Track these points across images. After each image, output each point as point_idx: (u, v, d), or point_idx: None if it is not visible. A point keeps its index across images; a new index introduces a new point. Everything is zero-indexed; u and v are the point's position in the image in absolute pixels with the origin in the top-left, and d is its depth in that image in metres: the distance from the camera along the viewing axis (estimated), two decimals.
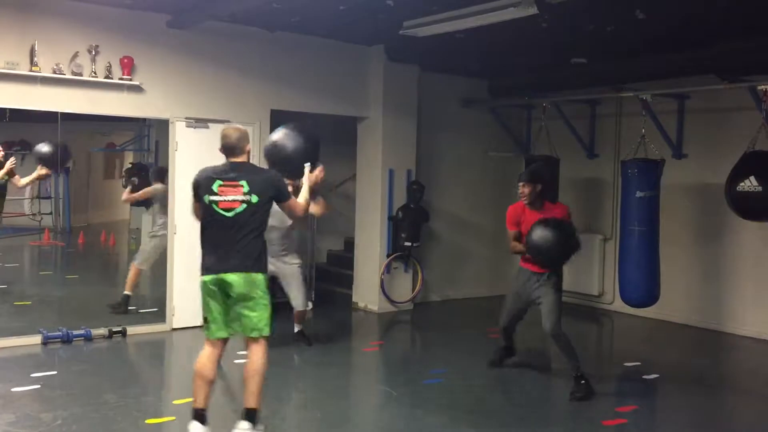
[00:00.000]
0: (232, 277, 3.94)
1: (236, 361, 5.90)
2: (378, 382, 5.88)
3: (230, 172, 4.06)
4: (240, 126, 4.28)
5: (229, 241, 3.96)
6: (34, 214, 9.35)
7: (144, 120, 8.10)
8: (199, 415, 3.97)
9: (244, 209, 3.98)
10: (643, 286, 6.60)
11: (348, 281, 8.53)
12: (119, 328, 6.47)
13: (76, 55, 6.17)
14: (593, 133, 8.61)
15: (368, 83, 8.02)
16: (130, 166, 9.30)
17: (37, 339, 6.10)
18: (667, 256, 6.92)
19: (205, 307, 4.03)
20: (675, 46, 6.74)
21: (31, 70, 5.96)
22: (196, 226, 4.18)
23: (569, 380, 5.25)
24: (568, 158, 8.19)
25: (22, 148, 9.96)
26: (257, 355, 4.05)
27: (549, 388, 5.65)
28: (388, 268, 8.11)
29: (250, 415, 4.03)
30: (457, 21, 5.93)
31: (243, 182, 4.02)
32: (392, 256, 8.10)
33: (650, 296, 6.61)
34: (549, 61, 7.80)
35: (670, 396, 5.54)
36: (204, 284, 4.00)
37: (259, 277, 4.00)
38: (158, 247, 7.11)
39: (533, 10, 5.35)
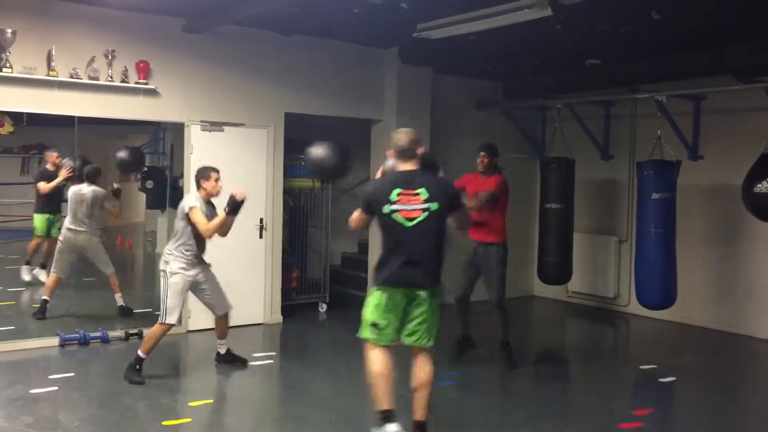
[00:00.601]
0: (420, 292, 3.93)
1: (251, 364, 5.93)
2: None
3: (407, 180, 3.93)
4: (411, 129, 4.17)
5: (412, 252, 3.89)
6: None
7: (159, 123, 8.15)
8: (391, 416, 3.94)
9: (426, 217, 3.87)
10: (659, 288, 6.57)
11: (362, 283, 8.53)
12: (135, 330, 6.52)
13: (92, 60, 6.23)
14: (608, 134, 8.57)
15: (382, 86, 8.03)
16: (145, 169, 9.37)
17: (54, 341, 6.16)
18: (683, 258, 6.88)
19: (379, 314, 3.95)
20: (690, 47, 6.70)
21: (48, 75, 6.02)
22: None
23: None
24: (582, 160, 8.15)
25: (38, 151, 10.05)
26: (429, 365, 4.03)
27: (564, 392, 5.62)
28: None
29: (422, 428, 4.00)
30: (470, 23, 5.92)
31: (421, 190, 3.90)
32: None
33: (667, 298, 6.57)
34: (563, 62, 7.78)
35: (687, 399, 5.51)
36: (385, 294, 3.94)
37: (439, 290, 4.01)
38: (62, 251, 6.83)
39: (547, 12, 5.33)
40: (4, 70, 5.81)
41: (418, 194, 3.88)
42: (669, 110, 7.13)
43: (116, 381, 5.27)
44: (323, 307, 8.04)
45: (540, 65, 8.03)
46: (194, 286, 5.41)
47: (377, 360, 3.98)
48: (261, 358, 6.11)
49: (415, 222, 3.87)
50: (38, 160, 10.18)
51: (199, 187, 5.34)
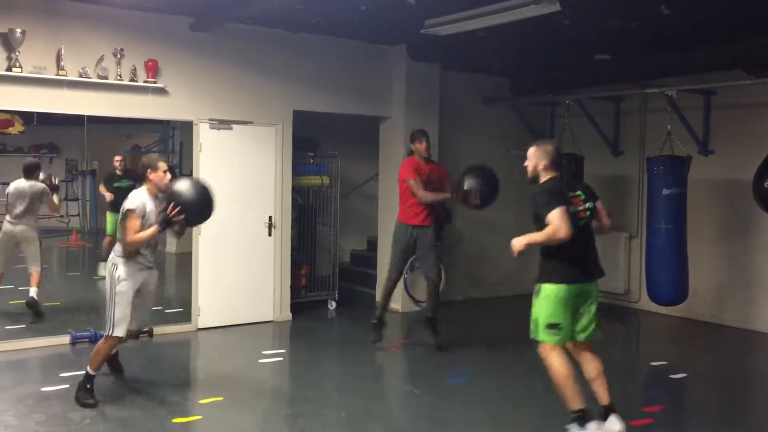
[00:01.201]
0: (591, 286, 4.17)
1: (260, 361, 5.95)
2: (401, 381, 5.88)
3: (574, 185, 4.38)
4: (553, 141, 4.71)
5: (585, 250, 4.21)
6: (62, 216, 9.51)
7: (168, 122, 8.19)
8: (587, 414, 4.10)
9: (588, 217, 4.28)
10: (670, 284, 6.54)
11: (371, 281, 8.54)
12: (146, 329, 6.53)
13: (101, 59, 6.25)
14: (618, 130, 8.53)
15: (390, 83, 8.02)
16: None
17: (65, 339, 6.19)
18: (694, 253, 6.84)
19: (558, 314, 4.05)
20: (700, 42, 6.65)
21: (57, 74, 6.04)
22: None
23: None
24: (592, 156, 8.11)
25: (49, 150, 10.13)
26: (596, 356, 4.27)
27: None
28: (411, 268, 8.10)
29: (614, 408, 4.20)
30: (478, 19, 5.90)
31: (579, 191, 4.32)
32: (415, 256, 8.08)
33: (678, 294, 6.54)
34: (572, 57, 7.74)
35: (698, 396, 5.48)
36: (566, 293, 4.05)
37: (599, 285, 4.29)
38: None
39: (556, 7, 5.31)
40: (13, 69, 5.83)
41: (578, 196, 4.29)
42: (679, 105, 7.09)
43: (126, 379, 5.30)
44: (332, 305, 8.05)
45: (548, 61, 8.00)
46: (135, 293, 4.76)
47: (562, 361, 4.09)
48: (270, 356, 6.13)
49: (583, 221, 4.24)
50: (49, 159, 10.26)
51: (145, 179, 4.74)
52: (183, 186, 4.68)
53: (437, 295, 6.50)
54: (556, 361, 4.07)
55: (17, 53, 5.84)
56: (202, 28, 6.66)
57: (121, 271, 4.68)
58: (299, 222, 7.97)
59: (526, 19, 5.63)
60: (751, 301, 7.39)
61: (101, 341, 4.80)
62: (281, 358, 6.16)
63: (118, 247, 4.75)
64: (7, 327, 6.55)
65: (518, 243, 4.06)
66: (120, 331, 4.68)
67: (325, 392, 5.34)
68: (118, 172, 8.33)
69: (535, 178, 4.26)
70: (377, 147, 8.37)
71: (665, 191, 6.51)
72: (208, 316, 6.88)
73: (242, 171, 7.05)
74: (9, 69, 5.83)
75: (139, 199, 4.68)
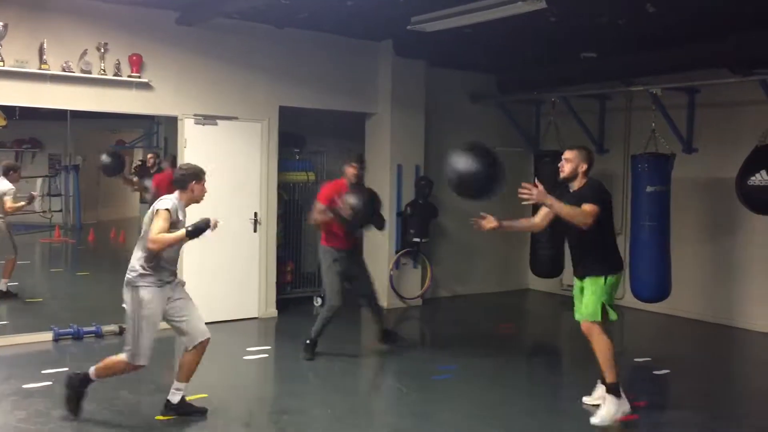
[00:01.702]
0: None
1: (245, 358, 5.93)
2: (387, 377, 5.88)
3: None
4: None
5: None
6: (44, 212, 9.41)
7: (153, 117, 8.12)
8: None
9: None
10: (653, 281, 6.58)
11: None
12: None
13: (85, 53, 6.19)
14: (603, 128, 8.57)
15: (376, 79, 8.01)
16: (139, 163, 9.34)
17: (48, 336, 6.14)
18: (677, 251, 6.89)
19: (609, 297, 4.64)
20: (685, 40, 6.70)
21: (40, 68, 5.98)
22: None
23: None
24: None
25: (32, 145, 10.02)
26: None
27: (558, 385, 5.63)
28: (397, 265, 8.10)
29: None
30: (465, 16, 5.91)
31: None
32: (401, 252, 8.10)
33: (661, 291, 6.59)
34: (558, 55, 7.77)
35: (681, 391, 5.52)
36: (617, 279, 4.69)
37: None
38: None
39: (542, 4, 5.32)
40: None
41: None
42: (664, 103, 7.13)
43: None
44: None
45: (535, 58, 8.02)
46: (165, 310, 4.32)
47: (608, 338, 4.63)
48: (256, 352, 6.11)
49: None
50: (32, 154, 10.15)
51: (185, 188, 4.33)
52: None
53: (381, 309, 6.31)
54: (605, 340, 4.62)
55: None
56: (188, 22, 6.61)
57: (145, 292, 4.13)
58: (285, 218, 7.95)
59: (512, 17, 5.64)
60: (733, 298, 7.46)
61: (122, 362, 4.27)
62: (266, 355, 6.14)
63: (138, 255, 4.18)
64: None
65: (542, 193, 4.41)
66: (144, 360, 4.22)
67: (311, 389, 5.33)
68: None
69: (573, 178, 4.63)
70: (363, 143, 8.36)
71: (649, 189, 6.55)
72: None
73: (227, 167, 7.01)
74: None
75: (173, 203, 4.23)
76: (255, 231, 7.20)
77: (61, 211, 10.95)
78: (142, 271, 4.16)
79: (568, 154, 4.61)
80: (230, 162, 7.03)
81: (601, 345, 4.59)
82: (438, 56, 8.12)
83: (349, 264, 5.94)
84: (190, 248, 6.72)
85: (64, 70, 6.07)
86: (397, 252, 8.08)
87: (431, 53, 8.00)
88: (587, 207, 4.40)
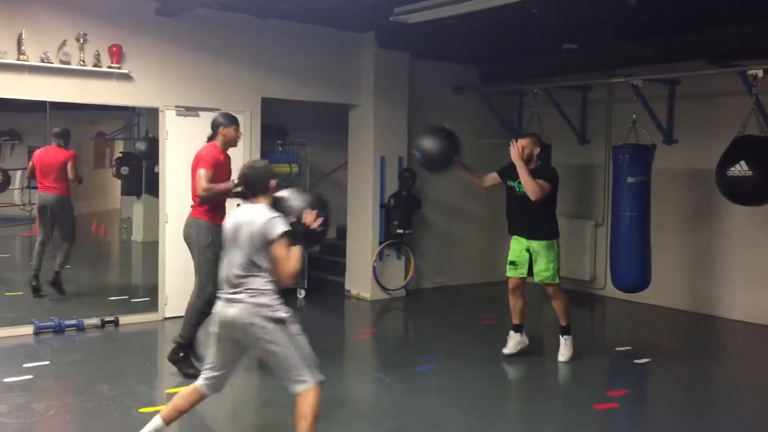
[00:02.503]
0: None
1: None
2: (371, 368, 5.90)
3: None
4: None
5: None
6: (24, 204, 9.30)
7: (134, 109, 8.05)
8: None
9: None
10: (634, 271, 6.63)
11: (340, 269, 8.54)
12: (111, 318, 6.46)
13: (64, 44, 6.12)
14: (584, 119, 8.62)
15: (359, 70, 7.99)
16: (120, 155, 9.26)
17: (29, 329, 6.08)
18: (658, 241, 6.95)
19: (559, 260, 5.64)
20: (666, 32, 6.74)
21: (18, 59, 5.90)
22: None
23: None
24: (559, 144, 8.20)
25: (11, 137, 9.90)
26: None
27: (540, 374, 5.67)
28: (380, 256, 8.12)
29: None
30: (448, 7, 5.90)
31: None
32: (384, 244, 8.11)
33: (641, 281, 6.64)
34: (540, 47, 7.78)
35: (661, 380, 5.59)
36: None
37: None
38: None
39: None
40: None
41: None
42: (644, 94, 7.17)
43: (92, 369, 5.23)
44: (302, 293, 8.03)
45: (517, 50, 8.04)
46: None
47: (564, 293, 5.82)
48: None
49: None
50: (10, 146, 10.03)
51: (263, 190, 3.64)
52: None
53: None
54: (564, 294, 5.73)
55: None
56: (168, 12, 6.55)
57: (281, 311, 3.47)
58: None
59: (495, 8, 5.64)
60: (714, 287, 7.55)
61: (309, 401, 3.58)
62: None
63: (262, 282, 3.46)
64: None
65: (517, 155, 5.48)
66: (320, 374, 3.64)
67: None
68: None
69: (528, 161, 5.50)
70: (346, 135, 8.35)
71: (630, 179, 6.59)
72: (174, 305, 6.80)
73: None
74: None
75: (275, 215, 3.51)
76: None
77: None
78: (273, 294, 3.51)
79: (523, 142, 5.56)
80: None
81: (563, 300, 5.68)
82: (421, 48, 8.11)
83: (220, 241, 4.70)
84: (171, 241, 6.72)
85: (42, 61, 6.00)
86: (380, 243, 8.09)
87: (414, 45, 7.99)
88: (542, 182, 5.38)
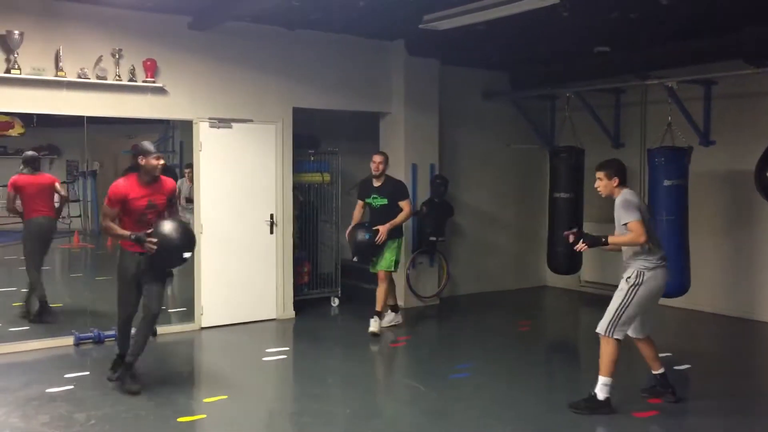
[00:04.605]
0: None
1: (264, 359, 5.94)
2: (405, 377, 5.88)
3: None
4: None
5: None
6: (63, 217, 9.49)
7: (168, 121, 8.17)
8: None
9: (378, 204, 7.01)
10: (672, 275, 6.50)
11: (373, 277, 8.52)
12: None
13: (100, 60, 6.24)
14: (618, 122, 8.51)
15: (389, 78, 8.00)
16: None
17: (69, 340, 6.20)
18: (696, 245, 6.83)
19: (399, 254, 6.89)
20: (700, 32, 6.63)
21: (56, 75, 6.04)
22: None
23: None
24: (593, 148, 8.10)
25: (50, 152, 10.12)
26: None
27: (578, 381, 5.59)
28: (413, 263, 8.10)
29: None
30: (477, 13, 5.89)
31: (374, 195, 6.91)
32: (417, 252, 8.09)
33: (680, 286, 6.53)
34: (571, 50, 7.72)
35: (702, 386, 5.47)
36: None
37: None
38: None
39: (554, 0, 5.29)
40: (12, 71, 5.83)
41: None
42: (679, 96, 7.07)
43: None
44: (335, 302, 8.05)
45: (548, 54, 7.99)
46: None
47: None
48: (274, 354, 6.13)
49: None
50: (49, 161, 10.25)
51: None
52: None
53: (149, 332, 5.12)
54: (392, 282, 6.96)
55: (16, 55, 5.84)
56: (201, 26, 6.65)
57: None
58: (300, 219, 7.97)
59: (525, 12, 5.61)
60: (753, 291, 7.38)
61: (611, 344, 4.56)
62: (285, 356, 6.16)
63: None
64: (11, 329, 6.55)
65: (384, 231, 6.64)
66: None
67: (330, 389, 5.34)
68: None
69: (381, 175, 6.84)
70: (377, 143, 8.36)
71: (666, 182, 6.49)
72: (211, 315, 6.88)
73: (243, 169, 7.05)
74: (8, 71, 5.83)
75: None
76: (271, 233, 7.23)
77: (79, 216, 11.06)
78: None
79: (379, 158, 6.70)
80: (245, 164, 7.06)
81: (386, 289, 6.75)
82: (450, 54, 8.10)
83: (140, 268, 4.96)
84: (207, 252, 6.80)
85: (80, 77, 6.13)
86: (413, 251, 8.08)
87: (443, 51, 7.99)
88: (405, 204, 6.78)
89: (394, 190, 6.72)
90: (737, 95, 7.35)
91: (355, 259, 6.89)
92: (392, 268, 6.76)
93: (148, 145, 5.04)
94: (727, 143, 7.41)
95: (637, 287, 4.55)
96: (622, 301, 4.57)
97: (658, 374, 4.92)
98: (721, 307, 7.59)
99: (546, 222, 8.34)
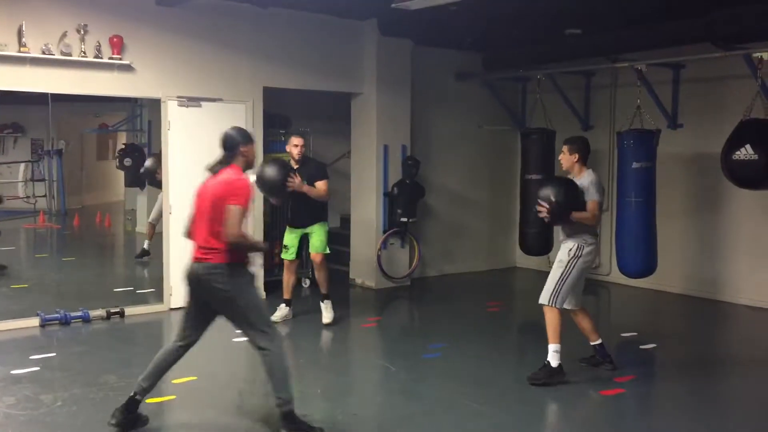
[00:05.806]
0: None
1: (234, 340, 5.92)
2: (377, 357, 5.90)
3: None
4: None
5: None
6: (28, 197, 9.32)
7: (136, 100, 8.04)
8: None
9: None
10: (639, 256, 6.62)
11: (345, 258, 8.53)
12: (117, 309, 6.48)
13: (64, 35, 6.09)
14: (588, 104, 8.57)
15: (361, 58, 7.95)
16: (123, 146, 9.26)
17: (35, 321, 6.10)
18: (663, 226, 6.93)
19: (327, 236, 6.54)
20: (670, 15, 6.68)
21: (19, 51, 5.88)
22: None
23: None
24: (563, 130, 8.11)
25: (14, 130, 9.91)
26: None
27: (545, 359, 5.66)
28: (384, 244, 8.11)
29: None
30: None
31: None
32: (389, 232, 8.09)
33: (647, 267, 6.63)
34: (543, 32, 7.73)
35: (667, 365, 5.58)
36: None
37: None
38: None
39: None
40: None
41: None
42: (649, 79, 7.13)
43: (98, 360, 5.24)
44: (306, 282, 8.03)
45: (520, 36, 7.98)
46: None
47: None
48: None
49: None
50: (13, 138, 10.04)
51: None
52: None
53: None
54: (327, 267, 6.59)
55: None
56: (169, 3, 6.52)
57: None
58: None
59: None
60: (719, 272, 7.53)
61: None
62: None
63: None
64: None
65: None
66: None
67: (300, 369, 5.33)
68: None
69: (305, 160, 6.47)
70: (349, 124, 8.32)
71: (635, 165, 6.56)
72: (180, 295, 6.81)
73: (212, 149, 6.81)
74: None
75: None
76: None
77: (45, 196, 10.86)
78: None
79: (300, 140, 6.28)
80: (215, 144, 6.88)
81: (326, 271, 6.49)
82: (423, 35, 8.06)
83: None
84: (176, 232, 6.72)
85: (43, 53, 5.98)
86: (384, 232, 8.08)
87: (416, 32, 7.94)
88: (322, 183, 6.31)
89: (315, 171, 6.36)
90: (704, 79, 7.44)
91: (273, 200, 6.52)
92: (327, 250, 6.49)
93: (247, 131, 4.27)
94: (695, 126, 7.51)
95: (577, 259, 4.87)
96: (563, 272, 4.90)
97: (596, 344, 5.16)
98: (686, 287, 7.74)
99: (517, 203, 8.40)
